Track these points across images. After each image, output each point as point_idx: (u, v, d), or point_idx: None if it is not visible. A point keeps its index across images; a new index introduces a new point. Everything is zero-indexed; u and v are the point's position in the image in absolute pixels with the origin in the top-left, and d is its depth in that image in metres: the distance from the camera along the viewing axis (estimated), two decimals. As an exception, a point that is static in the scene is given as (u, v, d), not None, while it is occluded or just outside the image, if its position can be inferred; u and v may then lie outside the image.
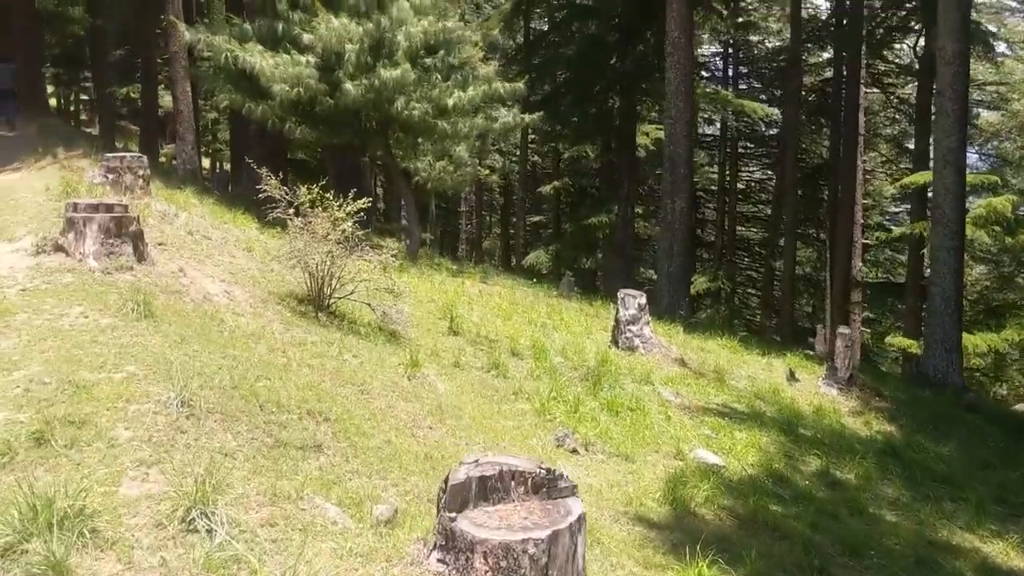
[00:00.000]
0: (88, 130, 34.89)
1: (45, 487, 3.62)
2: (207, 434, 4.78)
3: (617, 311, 13.61)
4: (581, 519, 3.69)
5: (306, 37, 15.33)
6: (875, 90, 36.98)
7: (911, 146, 39.34)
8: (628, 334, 13.47)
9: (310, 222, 9.59)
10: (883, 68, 36.33)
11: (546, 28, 30.07)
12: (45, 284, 7.72)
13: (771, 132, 41.43)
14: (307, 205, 9.70)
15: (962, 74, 17.12)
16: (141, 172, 11.88)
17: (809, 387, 13.66)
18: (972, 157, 40.16)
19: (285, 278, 11.06)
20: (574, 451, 7.91)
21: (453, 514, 3.65)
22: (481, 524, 3.61)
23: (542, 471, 3.86)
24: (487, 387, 9.33)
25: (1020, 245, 26.43)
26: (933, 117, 18.28)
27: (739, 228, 43.39)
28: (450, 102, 16.50)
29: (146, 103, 28.88)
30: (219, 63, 15.42)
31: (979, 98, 35.87)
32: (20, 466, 4.13)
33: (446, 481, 3.74)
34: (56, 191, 11.27)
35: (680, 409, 10.61)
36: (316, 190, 9.70)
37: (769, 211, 41.66)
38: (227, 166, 38.23)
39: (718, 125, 42.08)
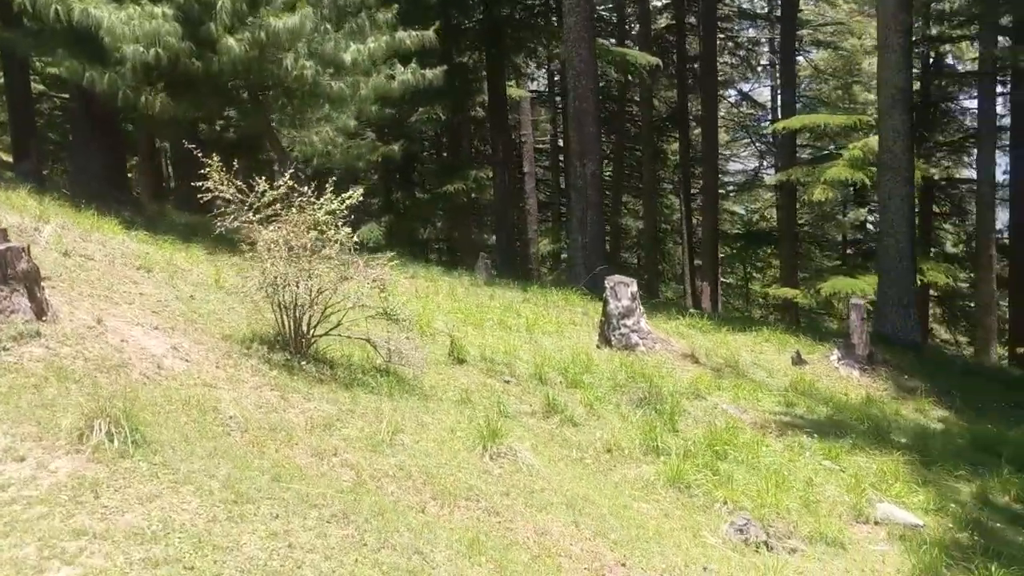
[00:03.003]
0: None
1: None
2: None
3: (606, 303, 11.18)
4: None
5: (162, -21, 11.65)
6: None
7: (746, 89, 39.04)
8: (623, 330, 11.08)
9: (280, 231, 6.50)
10: (724, 11, 35.20)
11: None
12: None
13: (599, 84, 39.86)
14: (270, 206, 6.60)
15: (905, 3, 15.66)
16: (-25, 171, 8.19)
17: (823, 369, 11.84)
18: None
19: (216, 309, 7.90)
20: (766, 545, 5.44)
21: None
22: None
23: None
24: (571, 446, 6.68)
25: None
26: (878, 52, 16.76)
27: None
28: (347, 57, 13.26)
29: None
30: (46, 19, 11.46)
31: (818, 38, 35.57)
32: None
33: None
34: None
35: (760, 429, 8.40)
36: (285, 182, 6.61)
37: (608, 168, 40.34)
38: None
39: (543, 80, 40.13)
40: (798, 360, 11.98)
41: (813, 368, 11.84)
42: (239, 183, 6.56)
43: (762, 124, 35.89)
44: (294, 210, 6.58)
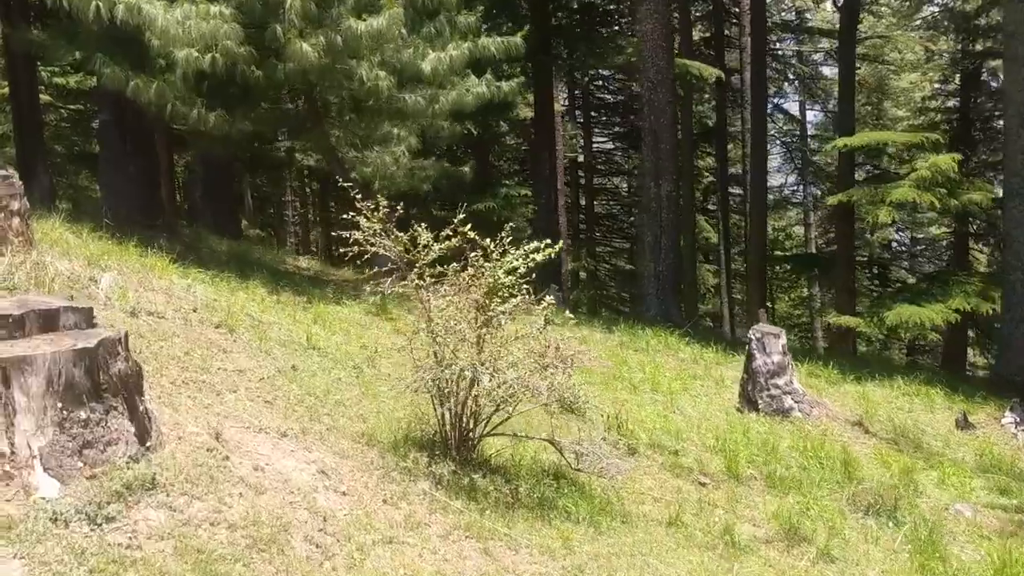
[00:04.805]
0: None
1: None
2: None
3: (751, 358, 9.37)
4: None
5: (222, -26, 9.85)
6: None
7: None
8: (773, 391, 9.28)
9: (457, 303, 4.71)
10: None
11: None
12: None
13: (618, 99, 38.14)
14: (433, 265, 4.80)
15: (1034, 11, 13.95)
16: (16, 206, 6.32)
17: (996, 435, 10.05)
18: (810, 115, 38.95)
19: (327, 386, 6.11)
20: None
21: None
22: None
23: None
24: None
25: (964, 206, 24.36)
26: (1004, 65, 15.03)
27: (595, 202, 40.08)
28: (426, 67, 11.51)
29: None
30: (84, 19, 9.65)
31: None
32: None
33: None
34: None
35: (1013, 537, 6.58)
36: (461, 230, 4.80)
37: (623, 184, 38.69)
38: None
39: (562, 94, 38.38)
40: (964, 424, 10.18)
41: (984, 433, 10.05)
42: (402, 235, 4.75)
43: (791, 137, 34.41)
44: (470, 270, 4.78)
